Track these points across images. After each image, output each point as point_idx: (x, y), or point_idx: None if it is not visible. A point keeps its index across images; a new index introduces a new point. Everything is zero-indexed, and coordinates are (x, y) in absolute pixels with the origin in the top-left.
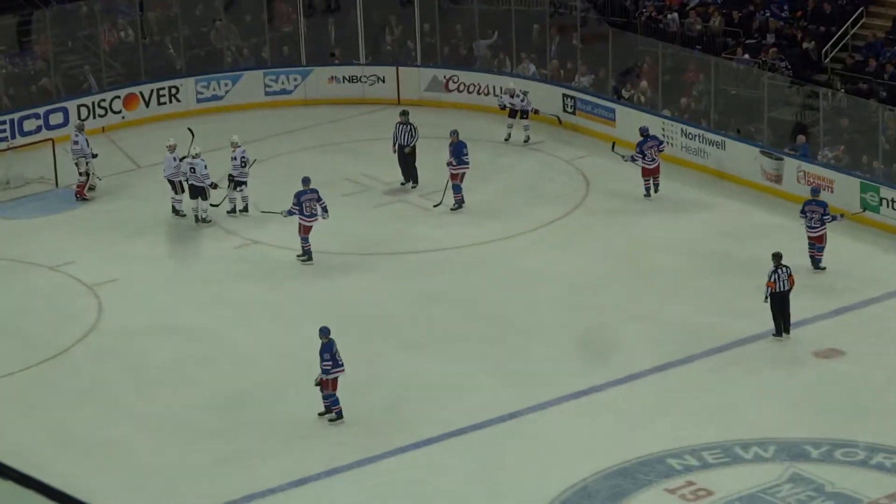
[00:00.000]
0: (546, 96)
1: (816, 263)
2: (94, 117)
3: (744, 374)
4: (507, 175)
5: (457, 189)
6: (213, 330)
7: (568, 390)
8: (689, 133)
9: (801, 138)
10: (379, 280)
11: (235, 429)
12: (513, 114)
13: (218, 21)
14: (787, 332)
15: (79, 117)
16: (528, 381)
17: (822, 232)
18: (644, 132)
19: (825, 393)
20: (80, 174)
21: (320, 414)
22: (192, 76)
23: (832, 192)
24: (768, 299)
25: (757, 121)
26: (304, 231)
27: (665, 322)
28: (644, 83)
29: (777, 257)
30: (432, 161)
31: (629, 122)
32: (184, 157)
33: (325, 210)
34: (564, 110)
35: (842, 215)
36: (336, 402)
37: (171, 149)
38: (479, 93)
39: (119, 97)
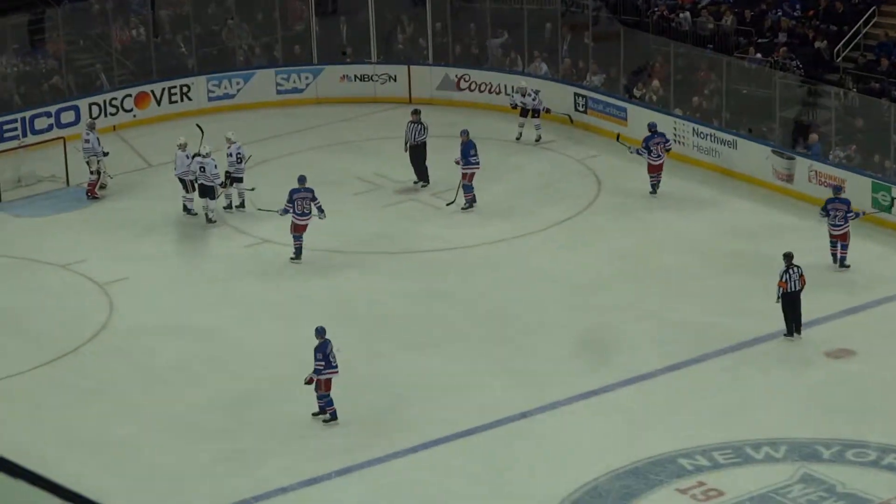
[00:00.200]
0: (558, 95)
1: (842, 261)
2: (106, 116)
3: (755, 375)
4: (518, 174)
5: (467, 189)
6: (221, 329)
7: (578, 390)
8: (701, 132)
9: (813, 137)
10: (385, 279)
11: (242, 428)
12: (524, 113)
13: (230, 20)
14: (799, 332)
15: (90, 116)
16: (537, 381)
17: (846, 230)
18: (652, 128)
19: (836, 393)
20: (91, 173)
21: (314, 414)
22: (203, 75)
23: (844, 191)
24: (780, 300)
25: (769, 120)
26: (296, 229)
27: (676, 322)
28: (656, 82)
29: (788, 257)
30: (444, 160)
31: (641, 121)
32: (195, 155)
33: (320, 210)
34: (576, 109)
35: (864, 212)
36: (330, 402)
37: (182, 147)
38: (490, 92)
39: (130, 96)
